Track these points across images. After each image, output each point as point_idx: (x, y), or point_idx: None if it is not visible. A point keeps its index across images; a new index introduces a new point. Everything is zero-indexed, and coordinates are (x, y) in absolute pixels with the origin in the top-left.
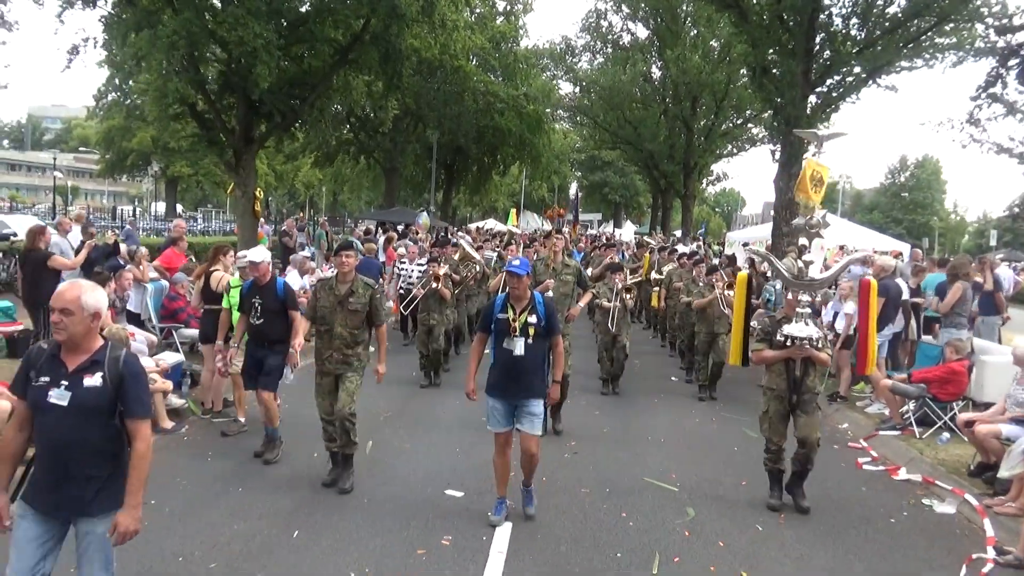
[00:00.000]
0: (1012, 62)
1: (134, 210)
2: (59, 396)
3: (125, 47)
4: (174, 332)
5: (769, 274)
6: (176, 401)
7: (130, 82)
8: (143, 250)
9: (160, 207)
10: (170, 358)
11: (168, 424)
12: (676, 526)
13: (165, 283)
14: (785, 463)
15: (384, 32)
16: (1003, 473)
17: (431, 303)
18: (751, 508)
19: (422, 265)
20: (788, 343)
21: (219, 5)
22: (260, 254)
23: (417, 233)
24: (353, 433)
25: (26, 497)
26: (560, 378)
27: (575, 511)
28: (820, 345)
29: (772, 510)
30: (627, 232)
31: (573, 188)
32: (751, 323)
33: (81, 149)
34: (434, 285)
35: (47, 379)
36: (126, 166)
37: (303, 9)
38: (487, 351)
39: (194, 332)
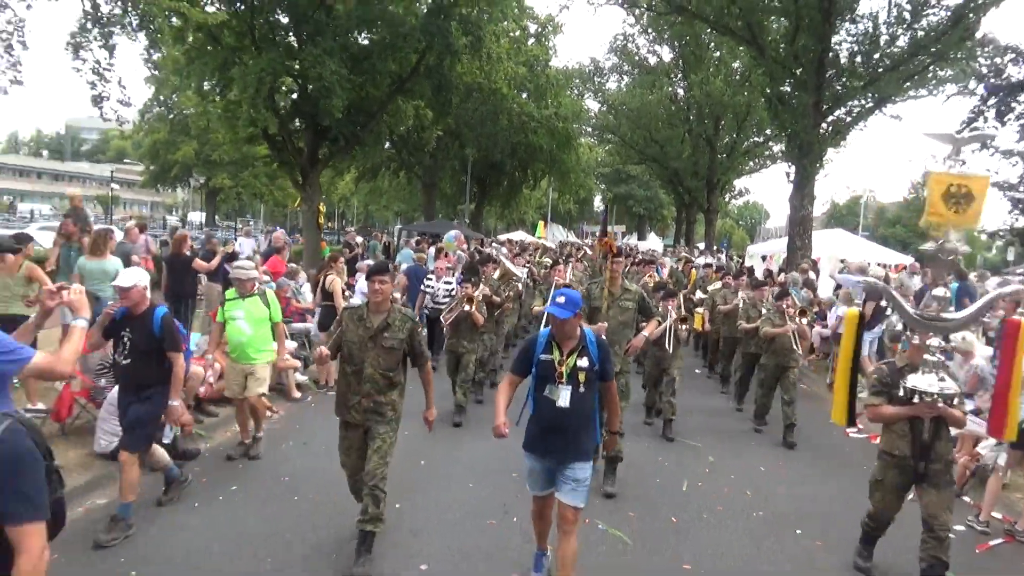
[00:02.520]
0: (991, 101)
1: (183, 220)
2: None
3: (212, 78)
4: (285, 327)
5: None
6: (300, 378)
7: (174, 96)
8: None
9: (196, 216)
10: (290, 345)
11: (297, 394)
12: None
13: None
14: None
15: (438, 65)
16: None
17: (462, 328)
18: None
19: (449, 284)
20: (914, 398)
21: (295, 44)
22: (131, 277)
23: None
24: (383, 505)
25: None
26: (616, 428)
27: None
28: (956, 402)
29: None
30: (651, 245)
31: (597, 200)
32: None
33: (126, 161)
34: (466, 308)
35: None
36: (169, 178)
37: (364, 41)
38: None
39: (298, 326)
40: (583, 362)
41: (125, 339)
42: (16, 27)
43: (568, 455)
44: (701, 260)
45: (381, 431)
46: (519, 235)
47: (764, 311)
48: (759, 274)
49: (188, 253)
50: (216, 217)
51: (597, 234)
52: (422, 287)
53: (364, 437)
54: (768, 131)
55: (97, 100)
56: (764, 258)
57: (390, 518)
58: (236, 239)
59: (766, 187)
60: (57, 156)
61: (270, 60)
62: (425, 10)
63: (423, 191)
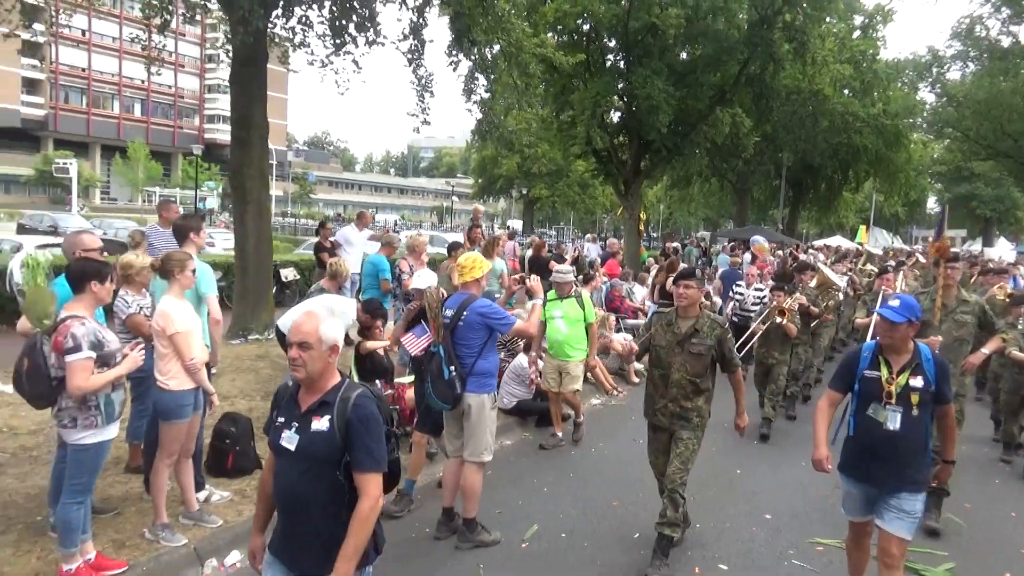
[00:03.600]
0: None
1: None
2: (289, 439)
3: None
4: (620, 321)
5: None
6: (638, 366)
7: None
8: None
9: (512, 223)
10: (626, 337)
11: (636, 380)
12: None
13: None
14: None
15: (760, 74)
16: None
17: (772, 338)
18: None
19: (761, 290)
20: None
21: (623, 67)
22: (426, 280)
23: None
24: (681, 509)
25: (271, 546)
26: (952, 457)
27: None
28: None
29: None
30: (1001, 251)
31: (931, 201)
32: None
33: (459, 175)
34: (778, 320)
35: (283, 419)
36: (495, 189)
37: (683, 56)
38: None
39: (631, 322)
40: (917, 381)
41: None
42: (427, 80)
43: (895, 483)
44: None
45: (685, 436)
46: (836, 240)
47: None
48: None
49: (546, 255)
50: (533, 224)
51: (930, 239)
52: (730, 293)
53: (670, 440)
54: None
55: (480, 131)
56: None
57: (694, 518)
58: (584, 244)
59: None
60: (400, 173)
61: (604, 84)
62: (747, 22)
63: (735, 196)
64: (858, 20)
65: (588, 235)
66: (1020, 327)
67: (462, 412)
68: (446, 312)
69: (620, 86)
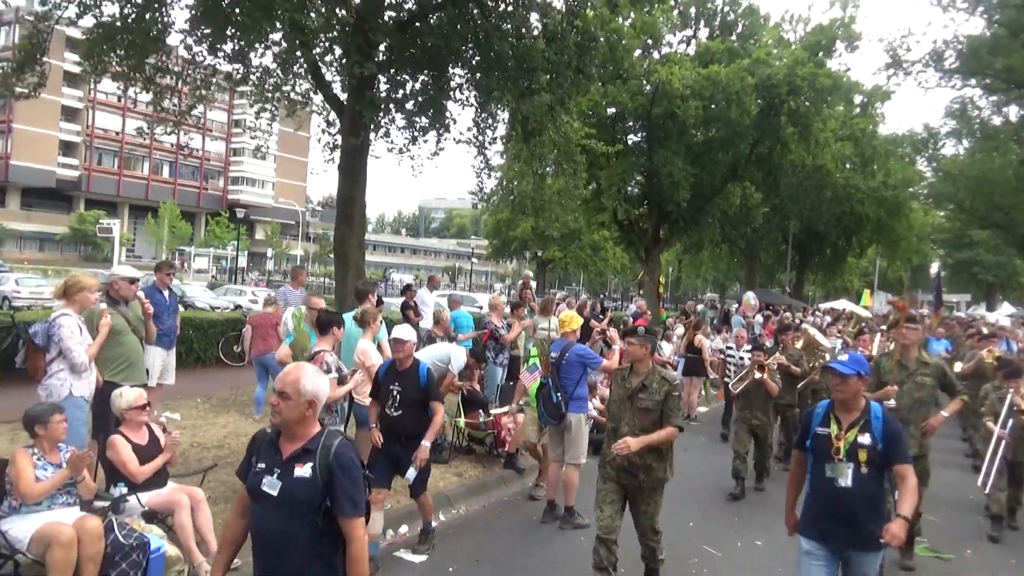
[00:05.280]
0: None
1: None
2: (271, 485)
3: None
4: None
5: None
6: None
7: (515, 182)
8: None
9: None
10: None
11: None
12: None
13: None
14: None
15: (768, 154)
16: None
17: (753, 398)
18: None
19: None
20: None
21: (645, 147)
22: (408, 333)
23: (745, 315)
24: (659, 551)
25: None
26: (909, 513)
27: None
28: None
29: None
30: (1001, 315)
31: (935, 268)
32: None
33: (474, 236)
34: (756, 375)
35: (263, 465)
36: (509, 251)
37: (698, 137)
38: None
39: None
40: (864, 439)
41: (395, 393)
42: (489, 165)
43: (852, 542)
44: None
45: (645, 499)
46: (841, 303)
47: None
48: None
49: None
50: (545, 285)
51: (932, 302)
52: (722, 355)
53: (622, 493)
54: None
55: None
56: None
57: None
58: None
59: None
60: (412, 233)
61: (628, 163)
62: (757, 109)
63: (744, 261)
64: (858, 99)
65: (636, 298)
66: (1001, 391)
67: (564, 427)
68: (552, 354)
69: (642, 164)
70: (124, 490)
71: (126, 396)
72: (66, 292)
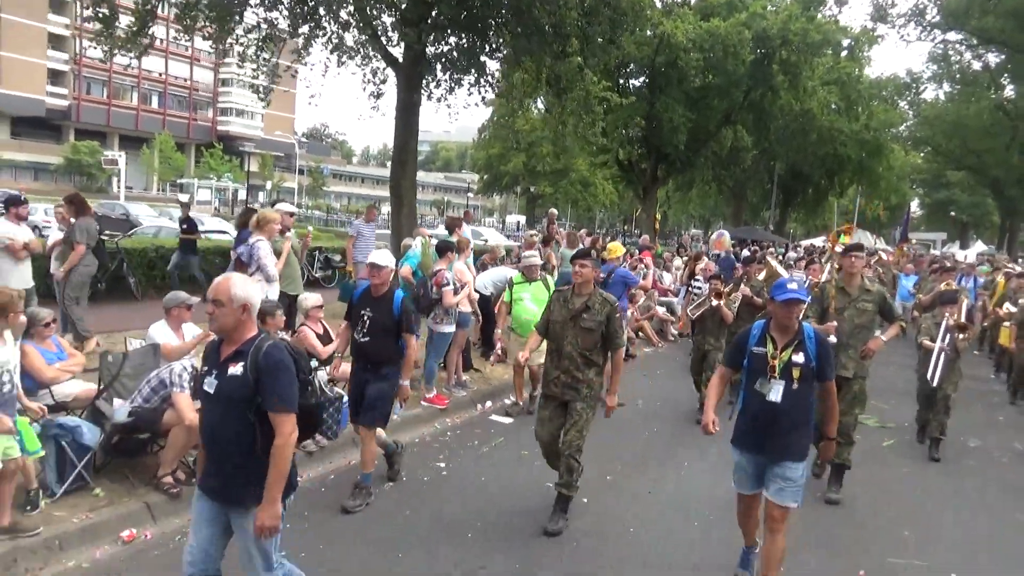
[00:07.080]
0: None
1: (518, 223)
2: (209, 384)
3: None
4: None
5: None
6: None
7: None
8: None
9: (511, 219)
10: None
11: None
12: None
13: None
14: None
15: (760, 101)
16: None
17: (708, 324)
18: None
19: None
20: None
21: (648, 92)
22: (386, 258)
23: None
24: (576, 474)
25: (199, 483)
26: (834, 435)
27: None
28: None
29: None
30: (973, 254)
31: (914, 205)
32: None
33: (462, 170)
34: (713, 303)
35: (206, 368)
36: (500, 186)
37: (696, 83)
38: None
39: (664, 299)
40: (798, 357)
41: (365, 318)
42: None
43: (778, 453)
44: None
45: (579, 407)
46: (820, 241)
47: None
48: None
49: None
50: (533, 220)
51: (897, 238)
52: (689, 288)
53: (561, 409)
54: None
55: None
56: None
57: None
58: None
59: None
60: None
61: (632, 108)
62: (751, 59)
63: (732, 200)
64: (846, 42)
65: (643, 236)
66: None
67: None
68: (601, 275)
69: (643, 109)
70: (315, 364)
71: (310, 299)
72: (259, 224)
